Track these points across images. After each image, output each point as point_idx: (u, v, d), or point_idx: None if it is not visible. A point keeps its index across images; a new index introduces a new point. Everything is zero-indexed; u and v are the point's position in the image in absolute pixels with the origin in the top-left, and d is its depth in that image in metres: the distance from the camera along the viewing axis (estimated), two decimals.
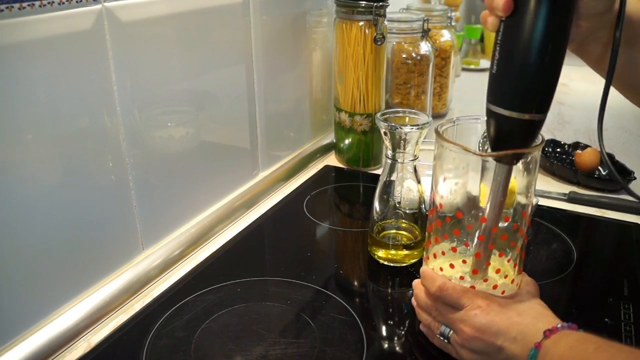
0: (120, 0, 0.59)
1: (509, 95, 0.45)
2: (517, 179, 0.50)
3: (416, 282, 0.57)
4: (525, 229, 0.52)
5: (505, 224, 0.53)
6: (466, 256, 0.54)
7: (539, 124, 0.46)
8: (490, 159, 0.48)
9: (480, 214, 0.51)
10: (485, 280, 0.52)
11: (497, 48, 0.45)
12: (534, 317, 0.48)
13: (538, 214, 0.81)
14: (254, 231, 0.79)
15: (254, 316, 0.60)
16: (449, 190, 0.53)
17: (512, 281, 0.53)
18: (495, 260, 0.53)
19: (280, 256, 0.74)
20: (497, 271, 0.52)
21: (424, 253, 0.58)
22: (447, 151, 0.51)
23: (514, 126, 0.45)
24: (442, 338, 0.52)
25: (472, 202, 0.52)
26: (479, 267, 0.52)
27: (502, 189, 0.48)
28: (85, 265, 0.61)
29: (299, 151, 1.02)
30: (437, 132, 0.52)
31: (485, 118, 0.48)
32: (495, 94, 0.46)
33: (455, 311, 0.51)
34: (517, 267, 0.53)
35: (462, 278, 0.53)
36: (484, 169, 0.50)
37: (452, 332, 0.51)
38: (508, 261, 0.53)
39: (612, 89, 0.53)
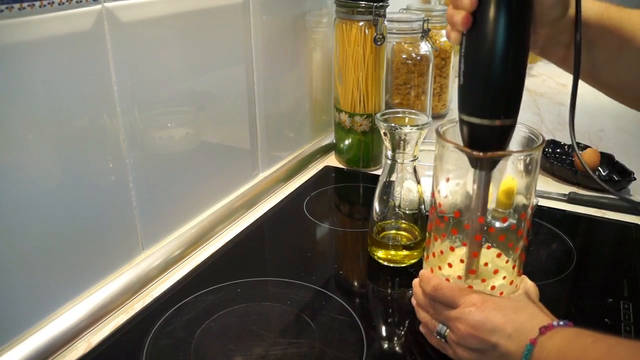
0: (120, 0, 0.59)
1: (477, 104, 0.47)
2: (517, 180, 0.50)
3: (415, 282, 0.57)
4: (525, 230, 0.52)
5: (504, 225, 0.53)
6: (464, 255, 0.54)
7: (509, 129, 0.48)
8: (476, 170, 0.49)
9: (474, 216, 0.51)
10: (483, 281, 0.52)
11: (462, 60, 0.47)
12: (529, 314, 0.48)
13: (538, 214, 0.81)
14: (254, 232, 0.79)
15: (254, 316, 0.60)
16: (448, 190, 0.53)
17: (511, 282, 0.53)
18: (493, 261, 0.53)
19: (280, 256, 0.74)
20: (496, 272, 0.52)
21: (424, 252, 0.58)
22: (448, 151, 0.51)
23: (487, 133, 0.47)
24: (438, 337, 0.52)
25: (470, 202, 0.52)
26: (464, 273, 0.52)
27: (482, 194, 0.49)
28: (85, 265, 0.61)
29: (299, 151, 1.02)
30: (437, 132, 0.52)
31: (459, 127, 0.49)
32: (465, 104, 0.48)
33: (451, 310, 0.51)
34: (516, 269, 0.53)
35: (460, 277, 0.53)
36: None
37: (448, 330, 0.51)
38: (507, 262, 0.53)
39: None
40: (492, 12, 0.44)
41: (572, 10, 0.50)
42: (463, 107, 0.48)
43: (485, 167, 0.48)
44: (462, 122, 0.48)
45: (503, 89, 0.45)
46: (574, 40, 0.50)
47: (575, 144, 0.50)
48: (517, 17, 0.44)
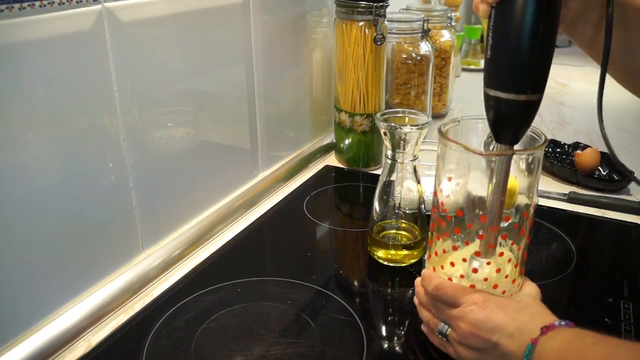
0: (120, 0, 0.59)
1: (504, 78, 0.46)
2: (518, 179, 0.50)
3: (418, 281, 0.57)
4: (527, 229, 0.52)
5: (506, 224, 0.53)
6: (467, 255, 0.54)
7: (535, 105, 0.47)
8: (494, 158, 0.49)
9: (481, 212, 0.51)
10: (486, 280, 0.52)
11: (490, 33, 0.47)
12: (531, 314, 0.48)
13: (538, 213, 0.80)
14: (254, 231, 0.79)
15: (254, 316, 0.60)
16: (450, 189, 0.53)
17: (514, 281, 0.53)
18: (496, 260, 0.53)
19: (280, 256, 0.74)
20: (498, 271, 0.52)
21: (427, 251, 0.58)
22: (450, 150, 0.51)
23: (512, 108, 0.46)
24: (440, 336, 0.52)
25: (473, 201, 0.52)
26: (485, 255, 0.52)
27: (502, 181, 0.49)
28: (85, 265, 0.61)
29: (299, 151, 1.02)
30: (440, 131, 0.52)
31: (484, 103, 0.49)
32: (491, 78, 0.47)
33: (453, 308, 0.51)
34: (518, 267, 0.53)
35: (462, 276, 0.53)
36: (491, 170, 0.50)
37: (449, 329, 0.51)
38: (509, 261, 0.53)
39: (608, 78, 0.54)
40: None
41: None
42: (489, 81, 0.47)
43: (506, 140, 0.48)
44: (487, 97, 0.48)
45: (531, 64, 0.45)
46: (606, 14, 0.48)
47: (604, 131, 0.49)
48: None
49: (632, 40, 0.53)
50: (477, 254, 0.52)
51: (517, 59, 0.45)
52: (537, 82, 0.46)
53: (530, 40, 0.44)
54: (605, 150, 0.98)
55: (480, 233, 0.52)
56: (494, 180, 0.49)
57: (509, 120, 0.47)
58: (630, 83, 0.57)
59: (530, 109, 0.47)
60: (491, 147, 0.51)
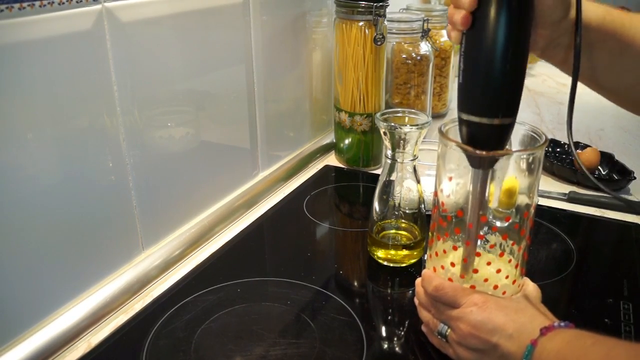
0: (120, 0, 0.59)
1: (476, 102, 0.47)
2: (519, 179, 0.50)
3: (418, 282, 0.57)
4: (527, 229, 0.52)
5: (506, 224, 0.53)
6: (467, 255, 0.54)
7: (509, 127, 0.48)
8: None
9: (481, 212, 0.51)
10: (486, 280, 0.52)
11: (462, 59, 0.47)
12: (530, 315, 0.48)
13: (538, 213, 0.80)
14: (254, 231, 0.79)
15: (254, 316, 0.60)
16: (451, 189, 0.53)
17: (514, 282, 0.53)
18: (496, 261, 0.53)
19: (280, 256, 0.74)
20: (498, 271, 0.52)
21: (427, 251, 0.58)
22: (451, 150, 0.51)
23: (486, 131, 0.47)
24: (439, 337, 0.52)
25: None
26: (465, 271, 0.52)
27: (479, 193, 0.49)
28: (85, 265, 0.61)
29: (299, 151, 1.02)
30: (440, 131, 0.52)
31: (458, 126, 0.49)
32: (464, 102, 0.48)
33: (453, 309, 0.51)
34: (519, 268, 0.53)
35: (462, 277, 0.53)
36: (493, 170, 0.50)
37: (449, 330, 0.51)
38: (509, 261, 0.53)
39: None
40: (492, 12, 0.44)
41: (573, 12, 0.50)
42: (462, 106, 0.48)
43: (485, 166, 0.48)
44: (461, 120, 0.48)
45: (502, 88, 0.46)
46: (574, 44, 0.50)
47: (572, 145, 0.50)
48: (517, 17, 0.44)
49: (613, 62, 0.54)
50: (461, 276, 0.53)
51: (488, 83, 0.46)
52: (509, 106, 0.47)
53: (500, 65, 0.45)
54: (606, 150, 0.98)
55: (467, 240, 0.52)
56: (470, 194, 0.50)
57: (483, 143, 0.48)
58: (618, 100, 0.58)
59: (503, 132, 0.48)
60: None
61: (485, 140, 0.47)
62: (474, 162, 0.49)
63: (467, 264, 0.52)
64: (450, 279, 0.53)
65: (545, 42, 0.52)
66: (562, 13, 0.50)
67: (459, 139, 0.50)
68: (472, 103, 0.47)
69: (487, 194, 0.50)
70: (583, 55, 0.50)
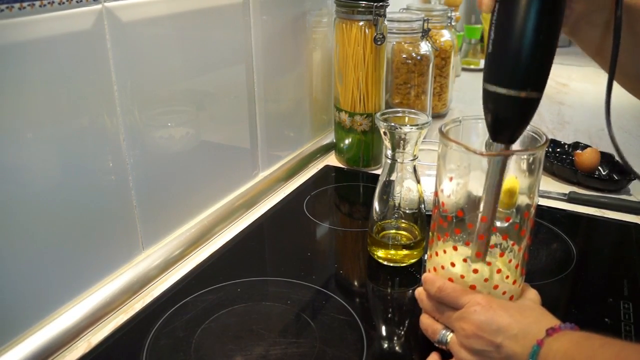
0: (120, 0, 0.59)
1: (505, 73, 0.46)
2: (519, 179, 0.50)
3: (420, 290, 0.57)
4: (527, 230, 0.52)
5: (506, 224, 0.53)
6: (467, 255, 0.54)
7: (535, 102, 0.46)
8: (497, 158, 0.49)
9: (480, 212, 0.51)
10: (486, 280, 0.52)
11: (493, 28, 0.46)
12: (535, 316, 0.47)
13: (538, 213, 0.81)
14: (254, 231, 0.79)
15: (254, 316, 0.60)
16: (451, 189, 0.53)
17: (514, 282, 0.53)
18: (497, 261, 0.53)
19: (280, 256, 0.74)
20: (499, 271, 0.52)
21: (428, 251, 0.58)
22: (451, 151, 0.51)
23: (511, 105, 0.46)
24: (439, 345, 0.52)
25: (473, 201, 0.52)
26: (482, 251, 0.52)
27: (496, 185, 0.49)
28: (85, 265, 0.61)
29: (299, 151, 1.02)
30: (441, 131, 0.52)
31: (482, 100, 0.48)
32: (492, 73, 0.47)
33: (455, 311, 0.51)
34: (519, 268, 0.53)
35: (462, 277, 0.53)
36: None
37: (450, 335, 0.51)
38: (510, 262, 0.53)
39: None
40: None
41: None
42: (489, 76, 0.47)
43: (504, 140, 0.48)
44: (486, 93, 0.47)
45: (532, 61, 0.45)
46: (614, 18, 0.48)
47: (614, 138, 0.49)
48: None
49: (638, 45, 0.52)
50: (478, 254, 0.52)
51: (519, 54, 0.45)
52: (538, 79, 0.46)
53: (533, 37, 0.44)
54: (606, 150, 0.98)
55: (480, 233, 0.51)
56: (487, 184, 0.49)
57: (508, 118, 0.47)
58: (636, 87, 0.56)
59: (529, 107, 0.47)
60: (492, 147, 0.51)
61: (509, 114, 0.47)
62: (505, 134, 0.47)
63: (481, 255, 0.51)
64: (450, 279, 0.53)
65: (577, 17, 0.50)
66: None
67: (459, 139, 0.50)
68: (499, 73, 0.46)
69: (500, 191, 0.49)
70: (608, 39, 0.48)
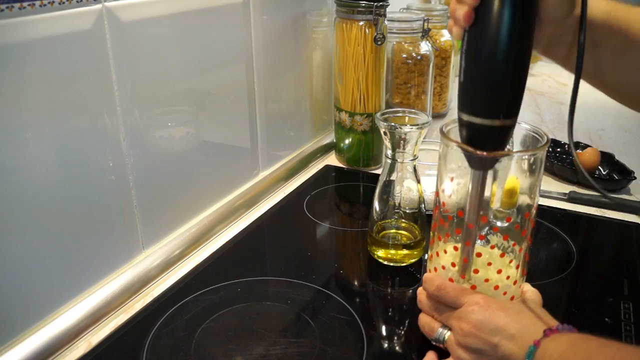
0: (120, 0, 0.59)
1: (477, 103, 0.46)
2: (520, 180, 0.50)
3: (419, 289, 0.57)
4: (528, 230, 0.52)
5: (507, 225, 0.53)
6: (467, 255, 0.54)
7: (509, 129, 0.47)
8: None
9: (482, 213, 0.51)
10: (487, 280, 0.52)
11: (463, 57, 0.46)
12: (533, 317, 0.47)
13: (538, 213, 0.81)
14: (254, 231, 0.79)
15: (254, 316, 0.60)
16: (452, 189, 0.53)
17: (515, 282, 0.53)
18: (497, 262, 0.53)
19: (280, 256, 0.74)
20: (499, 272, 0.52)
21: (428, 251, 0.58)
22: (452, 150, 0.51)
23: (486, 132, 0.46)
24: (436, 343, 0.52)
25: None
26: (464, 271, 0.52)
27: (479, 194, 0.49)
28: (86, 265, 0.61)
29: (299, 151, 1.02)
30: (442, 131, 0.52)
31: (458, 125, 0.49)
32: (465, 102, 0.47)
33: (454, 310, 0.51)
34: (520, 269, 0.53)
35: (463, 277, 0.53)
36: (494, 170, 0.50)
37: (448, 334, 0.51)
38: (510, 262, 0.53)
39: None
40: (495, 8, 0.43)
41: (578, 9, 0.49)
42: (463, 106, 0.47)
43: (486, 166, 0.48)
44: (461, 121, 0.48)
45: (504, 88, 0.45)
46: (578, 42, 0.49)
47: (572, 146, 0.49)
48: (520, 14, 0.43)
49: (617, 59, 0.53)
50: (478, 255, 0.52)
51: (489, 83, 0.44)
52: (510, 107, 0.46)
53: (503, 64, 0.44)
54: (606, 150, 0.98)
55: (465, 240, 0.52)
56: (469, 193, 0.49)
57: (483, 144, 0.47)
58: (621, 98, 0.57)
59: (503, 134, 0.47)
60: None
61: (485, 141, 0.47)
62: (475, 163, 0.48)
63: (466, 264, 0.52)
64: (451, 279, 0.53)
65: (548, 39, 0.50)
66: (567, 11, 0.48)
67: (460, 139, 0.50)
68: (472, 103, 0.46)
69: (488, 194, 0.49)
70: (587, 53, 0.49)
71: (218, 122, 0.79)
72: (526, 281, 0.55)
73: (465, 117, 0.47)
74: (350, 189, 0.96)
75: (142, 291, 0.66)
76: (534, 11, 0.45)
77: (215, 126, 0.79)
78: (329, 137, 1.08)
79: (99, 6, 0.57)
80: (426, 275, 0.55)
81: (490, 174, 0.49)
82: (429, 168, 0.80)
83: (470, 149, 0.48)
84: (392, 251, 0.69)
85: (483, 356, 0.48)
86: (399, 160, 0.66)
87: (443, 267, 0.55)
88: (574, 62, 0.50)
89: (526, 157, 0.50)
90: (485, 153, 0.47)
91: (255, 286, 0.66)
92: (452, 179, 0.53)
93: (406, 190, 0.68)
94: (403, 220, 0.71)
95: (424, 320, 0.55)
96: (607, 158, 0.97)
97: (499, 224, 0.54)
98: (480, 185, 0.48)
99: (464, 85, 0.46)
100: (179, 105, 0.71)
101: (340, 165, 1.02)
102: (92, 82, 0.58)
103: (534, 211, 0.52)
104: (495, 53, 0.43)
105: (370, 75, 0.93)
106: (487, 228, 0.54)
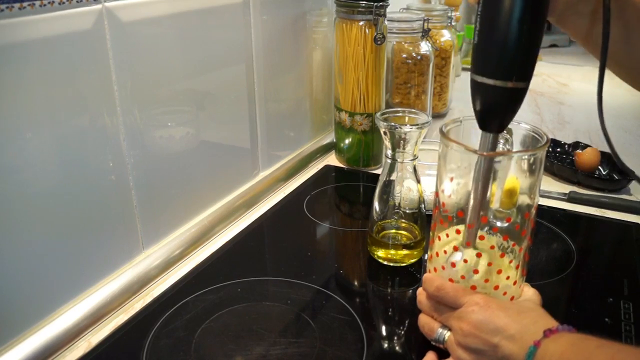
0: (120, 0, 0.59)
1: (491, 64, 0.46)
2: (520, 180, 0.50)
3: (419, 290, 0.57)
4: (528, 230, 0.52)
5: (507, 225, 0.53)
6: (468, 256, 0.54)
7: (522, 92, 0.47)
8: (498, 158, 0.49)
9: (482, 213, 0.51)
10: (487, 281, 0.52)
11: (478, 19, 0.47)
12: (533, 317, 0.47)
13: (538, 213, 0.81)
14: (254, 231, 0.79)
15: (254, 316, 0.60)
16: (452, 189, 0.53)
17: (515, 283, 0.53)
18: (497, 262, 0.53)
19: (280, 256, 0.74)
20: (499, 272, 0.52)
21: (428, 252, 0.58)
22: (452, 151, 0.51)
23: (498, 95, 0.46)
24: (436, 343, 0.52)
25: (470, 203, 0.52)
26: (471, 240, 0.52)
27: (483, 183, 0.49)
28: (86, 265, 0.61)
29: (299, 151, 1.02)
30: (441, 131, 0.52)
31: (470, 90, 0.49)
32: (478, 64, 0.47)
33: (454, 310, 0.51)
34: (520, 269, 0.53)
35: (463, 277, 0.53)
36: (494, 170, 0.50)
37: (448, 334, 0.51)
38: (510, 262, 0.53)
39: (607, 75, 0.53)
40: None
41: None
42: (476, 67, 0.47)
43: (495, 130, 0.48)
44: (473, 83, 0.48)
45: (518, 51, 0.45)
46: (602, 7, 0.48)
47: (605, 130, 0.49)
48: None
49: (630, 33, 0.52)
50: (467, 244, 0.52)
51: (504, 45, 0.45)
52: (524, 69, 0.46)
53: (517, 27, 0.44)
54: (606, 150, 0.98)
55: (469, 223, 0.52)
56: (474, 182, 0.49)
57: (495, 107, 0.47)
58: (630, 76, 0.56)
59: (516, 97, 0.47)
60: (500, 146, 0.51)
61: (497, 104, 0.47)
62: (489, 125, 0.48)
63: (471, 231, 0.51)
64: (451, 280, 0.53)
65: (563, 7, 0.50)
66: None
67: (460, 139, 0.50)
68: (485, 64, 0.46)
69: (489, 187, 0.49)
70: (596, 28, 0.48)
71: (218, 122, 0.79)
72: (526, 281, 0.55)
73: (479, 79, 0.47)
74: (350, 189, 0.96)
75: (142, 291, 0.66)
76: None
77: (215, 126, 0.79)
78: (329, 137, 1.08)
79: (99, 6, 0.57)
80: (426, 276, 0.55)
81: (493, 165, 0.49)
82: (429, 168, 0.80)
83: (471, 148, 0.48)
84: (392, 251, 0.70)
85: (483, 356, 0.48)
86: (399, 160, 0.66)
87: (443, 268, 0.55)
88: (592, 37, 0.49)
89: (526, 157, 0.50)
90: (485, 153, 0.47)
91: (255, 286, 0.66)
92: (451, 179, 0.53)
93: (406, 190, 0.68)
94: (403, 220, 0.71)
95: (424, 320, 0.54)
96: (607, 158, 0.97)
97: (498, 224, 0.54)
98: (485, 173, 0.48)
99: (478, 47, 0.47)
100: (179, 105, 0.72)
101: (340, 165, 1.02)
102: (92, 82, 0.58)
103: (533, 211, 0.52)
104: (511, 14, 0.44)
105: (370, 75, 0.93)
106: (487, 228, 0.54)
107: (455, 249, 0.53)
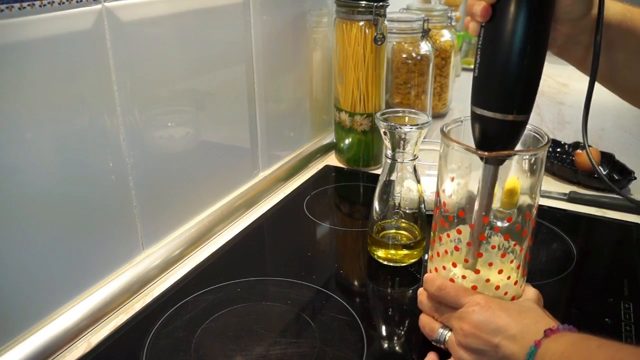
0: (120, 0, 0.59)
1: (491, 97, 0.46)
2: (521, 180, 0.50)
3: (420, 290, 0.57)
4: (529, 230, 0.52)
5: (507, 225, 0.53)
6: (468, 255, 0.54)
7: (522, 125, 0.47)
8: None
9: (483, 213, 0.51)
10: (488, 281, 0.52)
11: (478, 52, 0.47)
12: (534, 317, 0.47)
13: (538, 213, 0.81)
14: (254, 231, 0.79)
15: (254, 316, 0.60)
16: (453, 189, 0.53)
17: (515, 283, 0.53)
18: (498, 262, 0.53)
19: (280, 256, 0.74)
20: (500, 272, 0.52)
21: (429, 252, 0.58)
22: (452, 151, 0.51)
23: (498, 127, 0.47)
24: (436, 344, 0.52)
25: (474, 202, 0.52)
26: (472, 263, 0.52)
27: (489, 189, 0.49)
28: (85, 265, 0.61)
29: (299, 151, 1.02)
30: (442, 131, 0.52)
31: (470, 119, 0.49)
32: (479, 97, 0.47)
33: (455, 310, 0.51)
34: (520, 269, 0.53)
35: (464, 277, 0.53)
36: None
37: (449, 334, 0.51)
38: (511, 262, 0.53)
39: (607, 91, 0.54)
40: (512, 5, 0.44)
41: (594, 10, 0.49)
42: (476, 100, 0.47)
43: (492, 161, 0.48)
44: (474, 115, 0.48)
45: (518, 84, 0.45)
46: (594, 42, 0.49)
47: (587, 145, 0.50)
48: (537, 12, 0.44)
49: (633, 60, 0.53)
50: (479, 255, 0.52)
51: (504, 78, 0.45)
52: (524, 103, 0.46)
53: (518, 60, 0.44)
54: (606, 150, 0.98)
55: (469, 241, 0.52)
56: (479, 189, 0.49)
57: (495, 140, 0.47)
58: (635, 100, 0.57)
59: (516, 129, 0.47)
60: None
61: (496, 136, 0.47)
62: (491, 159, 0.48)
63: (469, 262, 0.52)
64: (451, 280, 0.53)
65: (564, 39, 0.51)
66: (584, 10, 0.49)
67: (460, 139, 0.50)
68: (486, 97, 0.46)
69: (493, 194, 0.49)
70: (601, 55, 0.49)
71: (218, 122, 0.79)
72: (527, 281, 0.55)
73: (479, 111, 0.47)
74: (350, 189, 0.96)
75: (142, 291, 0.66)
76: (551, 8, 0.46)
77: (215, 126, 0.79)
78: (329, 137, 1.08)
79: (99, 6, 0.57)
80: (427, 276, 0.55)
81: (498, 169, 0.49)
82: (429, 168, 0.80)
83: (471, 148, 0.48)
84: (392, 251, 0.69)
85: (484, 357, 0.48)
86: (399, 160, 0.66)
87: (444, 268, 0.55)
88: (589, 63, 0.50)
89: (527, 157, 0.50)
90: (486, 153, 0.47)
91: (255, 286, 0.66)
92: (452, 179, 0.53)
93: (406, 190, 0.68)
94: (403, 220, 0.71)
95: (425, 320, 0.54)
96: (607, 158, 0.97)
97: (499, 224, 0.54)
98: (490, 181, 0.49)
99: (479, 80, 0.47)
100: (178, 105, 0.71)
101: (340, 165, 1.02)
102: (92, 82, 0.58)
103: (534, 211, 0.52)
104: (511, 48, 0.44)
105: (370, 75, 0.93)
106: (488, 228, 0.54)
107: (454, 265, 0.53)
